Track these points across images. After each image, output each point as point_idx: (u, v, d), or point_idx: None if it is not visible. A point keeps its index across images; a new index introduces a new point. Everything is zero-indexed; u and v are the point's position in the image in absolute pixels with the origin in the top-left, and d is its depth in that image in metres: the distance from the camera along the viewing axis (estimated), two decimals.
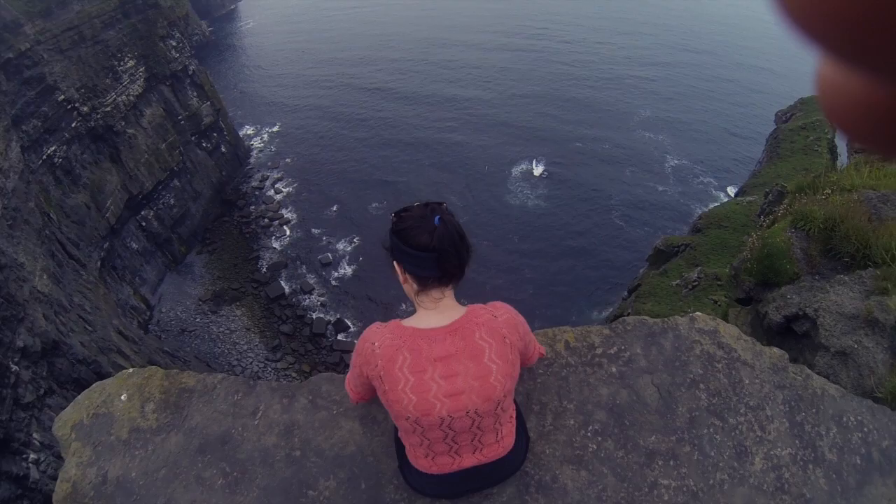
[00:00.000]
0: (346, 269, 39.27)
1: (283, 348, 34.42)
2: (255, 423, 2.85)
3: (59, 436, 3.00)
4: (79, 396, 3.15)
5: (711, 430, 2.68)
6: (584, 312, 34.89)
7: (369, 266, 38.36)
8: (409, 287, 2.11)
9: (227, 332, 35.39)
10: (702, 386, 2.80)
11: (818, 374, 5.34)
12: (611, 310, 27.87)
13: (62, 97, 32.51)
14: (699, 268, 18.18)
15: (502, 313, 2.15)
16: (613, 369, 2.84)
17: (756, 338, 6.96)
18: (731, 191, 39.68)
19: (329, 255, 40.30)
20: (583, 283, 36.99)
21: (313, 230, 42.53)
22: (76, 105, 33.44)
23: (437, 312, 2.08)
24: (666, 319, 2.99)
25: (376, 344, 2.06)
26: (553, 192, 44.92)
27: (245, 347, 34.45)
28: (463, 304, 2.18)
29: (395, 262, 2.10)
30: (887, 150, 0.31)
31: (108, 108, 35.65)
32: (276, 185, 46.87)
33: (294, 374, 32.79)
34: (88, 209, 32.39)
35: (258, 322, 36.01)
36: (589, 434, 2.64)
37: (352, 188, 45.85)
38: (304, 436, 2.77)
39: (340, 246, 41.04)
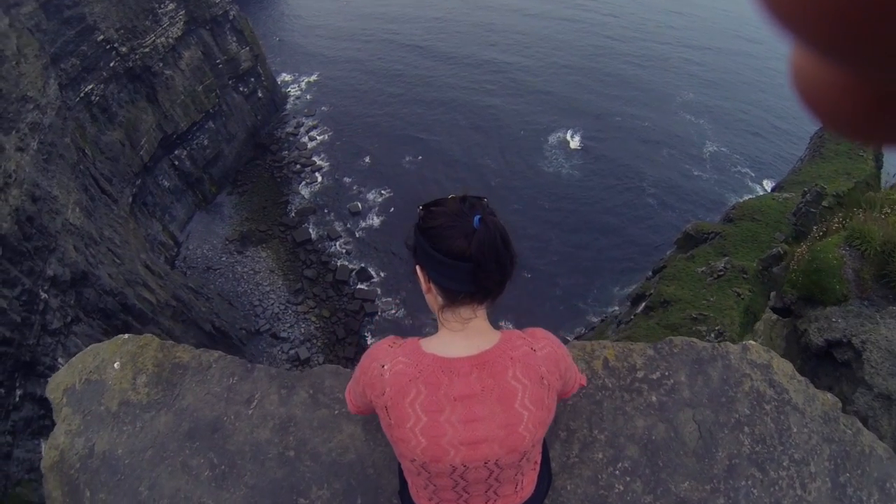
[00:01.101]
0: (374, 220, 39.35)
1: (305, 292, 34.91)
2: (249, 412, 2.64)
3: (52, 399, 2.87)
4: (73, 359, 3.04)
5: (750, 482, 2.38)
6: (607, 287, 34.81)
7: (397, 219, 38.34)
8: (433, 298, 1.71)
9: (252, 272, 36.00)
10: (746, 429, 2.49)
11: (855, 413, 4.94)
12: (633, 287, 27.64)
13: (101, 37, 32.57)
14: (727, 258, 17.98)
15: (543, 346, 1.75)
16: (653, 398, 2.53)
17: (790, 355, 6.58)
18: (768, 185, 38.88)
19: (358, 203, 40.43)
20: (607, 258, 36.72)
21: (345, 179, 42.59)
22: (115, 45, 33.55)
23: (464, 337, 1.68)
24: (716, 346, 2.64)
25: (386, 367, 1.69)
26: (587, 166, 44.21)
27: (268, 289, 35.05)
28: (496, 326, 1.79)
29: (417, 266, 1.72)
30: (857, 136, 0.31)
31: (147, 50, 35.70)
32: (310, 133, 46.89)
33: (314, 318, 33.49)
34: (123, 146, 32.72)
35: (282, 265, 36.54)
36: (617, 472, 2.35)
37: (385, 141, 45.58)
38: (300, 434, 2.54)
39: (370, 196, 41.10)
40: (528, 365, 1.67)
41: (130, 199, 31.88)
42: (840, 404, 2.60)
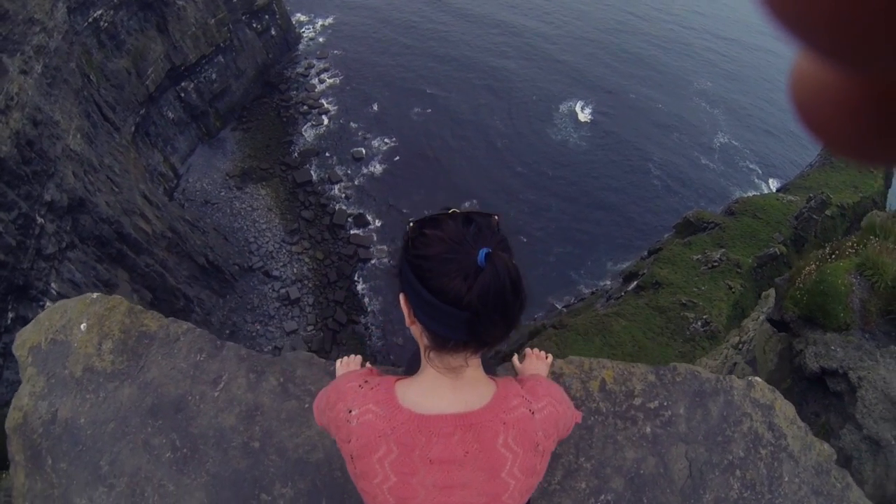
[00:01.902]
0: (377, 168, 39.21)
1: (301, 233, 34.99)
2: (216, 394, 2.50)
3: (18, 356, 2.80)
4: (41, 315, 2.93)
5: None
6: (601, 261, 35.03)
7: (400, 169, 38.30)
8: (418, 333, 1.38)
9: (249, 209, 35.99)
10: (738, 473, 2.36)
11: (840, 450, 4.84)
12: (627, 265, 27.78)
13: None
14: (723, 250, 18.15)
15: (543, 406, 1.45)
16: (647, 429, 2.38)
17: (781, 373, 6.48)
18: (774, 184, 38.78)
19: (362, 150, 40.21)
20: (604, 233, 36.84)
21: (350, 124, 42.14)
22: None
23: (451, 388, 1.38)
24: (720, 378, 2.48)
25: (353, 413, 1.40)
26: (595, 139, 43.83)
27: (264, 226, 35.12)
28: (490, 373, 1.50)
29: (401, 295, 1.36)
30: (854, 153, 0.29)
31: None
32: (320, 75, 46.15)
33: (307, 260, 33.69)
34: (129, 75, 32.03)
35: (281, 204, 36.52)
36: None
37: (395, 91, 44.97)
38: (267, 425, 2.40)
39: (375, 143, 40.83)
40: (524, 431, 1.39)
41: (133, 129, 31.38)
42: (835, 456, 2.47)
